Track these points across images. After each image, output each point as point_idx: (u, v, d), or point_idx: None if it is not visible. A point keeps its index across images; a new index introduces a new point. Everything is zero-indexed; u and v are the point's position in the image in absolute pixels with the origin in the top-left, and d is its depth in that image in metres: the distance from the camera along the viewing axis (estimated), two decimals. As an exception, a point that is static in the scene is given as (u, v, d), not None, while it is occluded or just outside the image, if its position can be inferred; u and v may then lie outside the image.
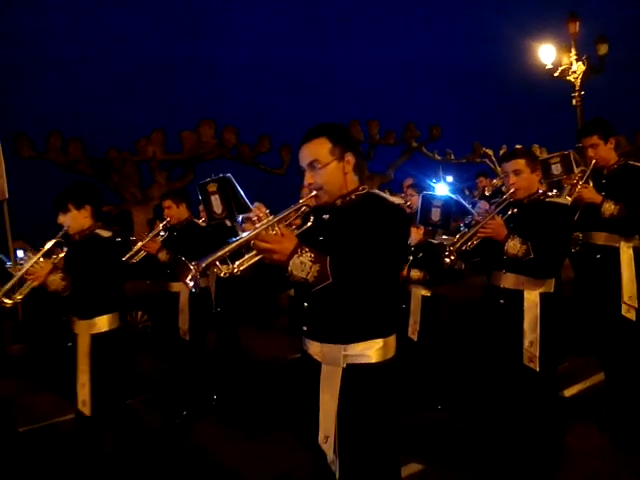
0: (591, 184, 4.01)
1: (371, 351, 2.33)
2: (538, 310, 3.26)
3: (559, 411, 3.41)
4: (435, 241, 5.12)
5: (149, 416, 5.02)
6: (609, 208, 3.87)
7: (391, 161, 19.64)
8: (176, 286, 5.19)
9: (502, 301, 3.39)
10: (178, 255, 4.83)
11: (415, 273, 4.90)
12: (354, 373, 2.32)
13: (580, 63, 14.52)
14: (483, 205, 3.45)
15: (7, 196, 8.33)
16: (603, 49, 14.77)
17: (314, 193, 2.39)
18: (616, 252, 3.99)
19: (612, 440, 3.96)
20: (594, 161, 4.03)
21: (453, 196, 4.62)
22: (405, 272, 4.88)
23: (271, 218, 2.20)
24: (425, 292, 5.05)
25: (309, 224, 2.35)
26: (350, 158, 2.40)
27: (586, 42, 15.03)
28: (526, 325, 3.28)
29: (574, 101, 14.86)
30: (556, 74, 14.76)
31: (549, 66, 14.76)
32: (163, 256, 4.94)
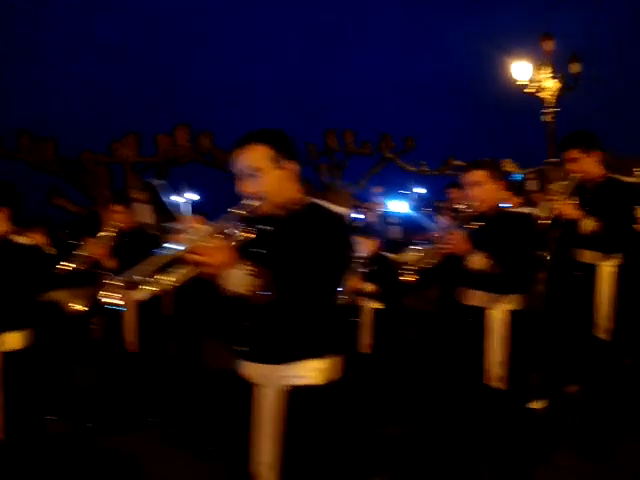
0: (573, 199, 3.86)
1: (312, 372, 2.19)
2: (506, 328, 3.14)
3: (527, 429, 3.32)
4: (390, 255, 4.94)
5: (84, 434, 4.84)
6: (588, 224, 3.71)
7: (365, 171, 19.72)
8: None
9: (468, 319, 3.27)
10: (127, 262, 4.55)
11: (368, 286, 4.73)
12: (296, 395, 2.17)
13: (555, 81, 14.77)
14: (443, 220, 3.41)
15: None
16: (576, 68, 15.04)
17: (255, 202, 2.23)
18: (596, 270, 3.86)
19: (583, 454, 3.92)
20: (579, 175, 3.87)
21: (412, 212, 4.57)
22: (357, 284, 4.70)
23: (206, 229, 2.05)
24: (378, 305, 4.90)
25: (250, 235, 2.21)
26: (292, 166, 2.30)
27: (561, 60, 15.31)
28: (494, 344, 3.15)
29: (547, 117, 15.10)
30: (531, 90, 14.99)
31: (523, 82, 14.98)
32: (110, 263, 4.54)
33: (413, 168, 20.89)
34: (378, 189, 7.61)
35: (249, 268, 2.00)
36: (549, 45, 14.62)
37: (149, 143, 15.02)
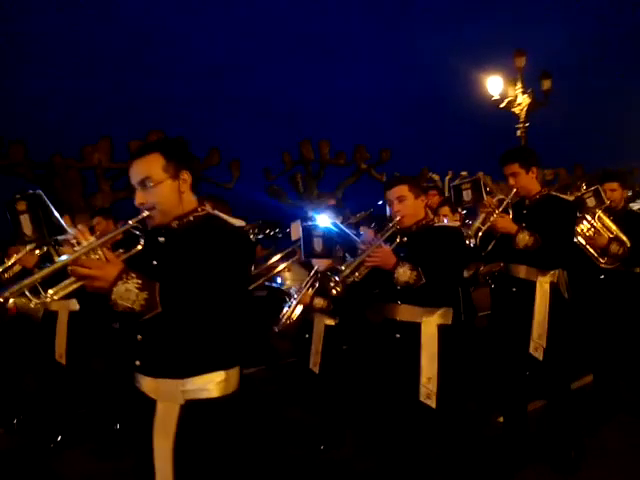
0: (511, 214, 3.85)
1: (212, 385, 2.15)
2: (436, 343, 3.14)
3: (462, 447, 3.26)
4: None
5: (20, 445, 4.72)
6: (523, 239, 3.70)
7: (340, 181, 19.77)
8: (55, 304, 4.56)
9: (398, 335, 3.22)
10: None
11: (318, 301, 4.48)
12: (194, 409, 2.13)
13: (525, 96, 15.05)
14: (369, 234, 3.31)
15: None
16: (547, 84, 15.36)
17: (146, 213, 2.19)
18: (533, 286, 3.82)
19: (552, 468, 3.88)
20: (515, 190, 3.88)
21: (333, 226, 4.43)
22: (308, 300, 4.52)
23: (93, 240, 1.99)
24: (329, 321, 4.67)
25: (139, 247, 2.15)
26: (186, 176, 2.24)
27: (532, 75, 15.62)
28: (423, 360, 3.13)
29: (518, 132, 15.37)
30: (502, 105, 15.24)
31: (496, 97, 15.23)
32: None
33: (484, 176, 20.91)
34: (331, 201, 7.52)
35: (135, 281, 1.94)
36: (521, 61, 14.90)
37: (121, 148, 14.87)
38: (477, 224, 3.71)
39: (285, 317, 4.57)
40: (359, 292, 3.41)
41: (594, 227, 4.55)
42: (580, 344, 5.00)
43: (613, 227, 4.56)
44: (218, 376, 2.16)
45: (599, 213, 4.54)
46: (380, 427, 3.36)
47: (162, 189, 2.18)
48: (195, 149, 16.06)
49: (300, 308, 4.51)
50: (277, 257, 6.20)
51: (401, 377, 3.20)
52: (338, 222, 4.95)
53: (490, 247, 3.88)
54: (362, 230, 3.37)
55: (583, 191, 4.59)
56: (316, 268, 4.54)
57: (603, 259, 4.57)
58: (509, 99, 15.11)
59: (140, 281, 1.95)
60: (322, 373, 4.67)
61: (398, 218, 3.24)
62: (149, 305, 1.95)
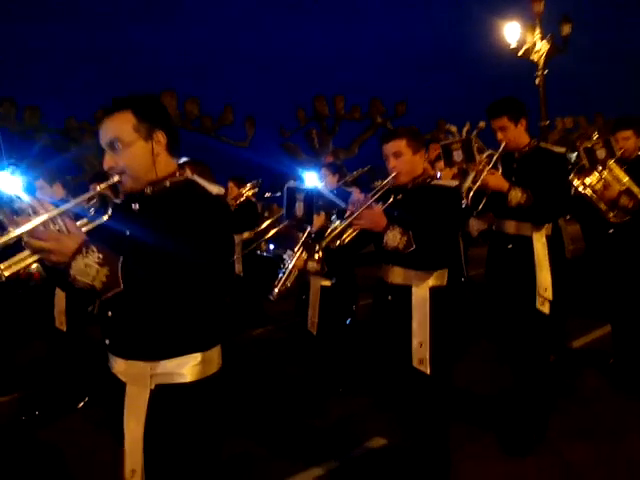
0: (500, 169, 3.69)
1: (185, 368, 1.96)
2: (427, 306, 2.97)
3: (447, 414, 3.12)
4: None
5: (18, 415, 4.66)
6: (516, 196, 3.58)
7: (355, 136, 19.59)
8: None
9: (390, 297, 3.08)
10: None
11: (312, 264, 4.48)
12: (164, 395, 1.95)
13: (544, 42, 14.64)
14: (356, 194, 3.04)
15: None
16: (566, 29, 14.92)
17: (116, 178, 1.98)
18: (528, 242, 3.72)
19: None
20: (503, 144, 3.69)
21: (317, 186, 4.06)
22: (302, 263, 4.36)
23: (52, 209, 1.76)
24: (325, 282, 4.60)
25: (104, 218, 1.94)
26: (161, 137, 2.01)
27: (550, 21, 15.16)
28: (415, 324, 2.97)
29: (537, 80, 15.01)
30: (520, 53, 14.86)
31: (513, 45, 14.84)
32: None
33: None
34: (328, 158, 7.38)
35: (96, 255, 1.74)
36: (539, 6, 14.45)
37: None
38: (467, 183, 3.54)
39: (280, 284, 4.39)
40: (351, 252, 3.26)
41: (604, 179, 4.40)
42: (596, 294, 4.99)
43: (625, 178, 4.38)
44: (193, 359, 1.97)
45: (610, 163, 4.36)
46: (379, 386, 3.28)
47: (133, 151, 1.98)
48: (209, 108, 15.97)
49: (295, 273, 4.33)
50: (267, 223, 6.06)
51: (394, 341, 3.07)
52: (323, 185, 4.78)
53: (481, 206, 3.69)
54: (354, 193, 3.09)
55: (593, 141, 4.42)
56: (308, 230, 4.35)
57: (612, 212, 4.41)
58: (527, 46, 14.71)
59: (101, 255, 1.75)
60: (320, 333, 4.64)
61: (393, 174, 3.04)
62: (110, 282, 1.76)
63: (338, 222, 2.97)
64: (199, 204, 1.96)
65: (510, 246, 3.79)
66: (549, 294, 3.67)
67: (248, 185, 7.42)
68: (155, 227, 1.94)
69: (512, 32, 14.86)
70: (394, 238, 2.86)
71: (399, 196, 3.08)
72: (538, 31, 14.64)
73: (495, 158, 3.66)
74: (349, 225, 2.91)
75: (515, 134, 3.72)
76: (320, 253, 2.97)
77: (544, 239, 3.72)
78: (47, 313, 4.68)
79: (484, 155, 3.70)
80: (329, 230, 2.94)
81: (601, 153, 4.36)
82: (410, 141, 3.06)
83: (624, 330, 4.62)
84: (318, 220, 4.34)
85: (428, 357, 2.94)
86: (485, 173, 3.56)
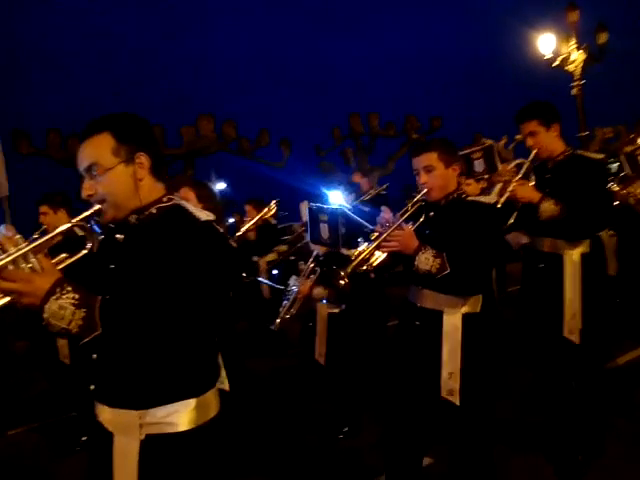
0: (533, 180, 3.41)
1: (178, 416, 1.77)
2: (460, 334, 2.73)
3: (488, 450, 2.88)
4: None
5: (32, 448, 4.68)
6: (548, 208, 3.27)
7: (391, 153, 19.59)
8: None
9: (418, 322, 2.85)
10: None
11: (319, 291, 4.10)
12: (155, 446, 1.76)
13: (580, 52, 14.45)
14: (385, 213, 2.78)
15: (7, 193, 8.32)
16: (603, 38, 14.72)
17: (96, 207, 1.80)
18: (561, 261, 3.38)
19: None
20: (535, 151, 3.42)
21: (342, 206, 3.73)
22: (307, 290, 4.17)
23: (23, 246, 1.60)
24: (332, 309, 4.33)
25: (83, 251, 1.76)
26: (144, 159, 1.84)
27: (586, 31, 14.97)
28: (445, 353, 2.74)
29: (574, 90, 14.80)
30: (555, 64, 14.69)
31: (548, 56, 14.68)
32: None
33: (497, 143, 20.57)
34: (356, 177, 7.11)
35: (71, 296, 1.58)
36: (574, 16, 14.29)
37: (173, 135, 15.13)
38: (492, 196, 3.26)
39: (283, 312, 4.26)
40: (377, 276, 3.08)
41: None
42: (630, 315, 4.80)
43: None
44: (186, 405, 1.78)
45: None
46: (398, 418, 2.95)
47: (113, 177, 1.80)
48: (245, 131, 16.20)
49: (300, 301, 4.17)
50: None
51: (421, 369, 2.84)
52: (350, 205, 4.43)
53: (512, 220, 3.45)
54: (383, 213, 2.80)
55: (636, 146, 4.24)
56: (315, 254, 4.24)
57: None
58: (562, 56, 14.54)
59: (77, 295, 1.59)
60: (329, 364, 4.37)
61: (425, 191, 2.82)
62: (87, 326, 1.59)
63: (365, 245, 2.74)
64: (187, 234, 1.76)
65: (542, 265, 3.49)
66: (577, 322, 3.34)
67: (265, 209, 7.39)
68: (142, 260, 1.78)
69: (547, 43, 14.71)
70: (426, 261, 2.64)
71: (431, 214, 2.87)
72: (573, 41, 14.46)
73: (525, 167, 3.39)
74: (377, 247, 2.70)
75: (547, 140, 3.43)
76: (346, 280, 2.67)
77: (578, 258, 3.37)
78: (51, 346, 4.53)
79: (512, 164, 3.45)
80: (355, 254, 2.72)
81: None
82: (442, 154, 2.83)
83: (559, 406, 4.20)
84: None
85: (458, 388, 2.72)
86: (514, 184, 3.30)
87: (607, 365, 5.14)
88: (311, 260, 4.18)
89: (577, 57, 14.45)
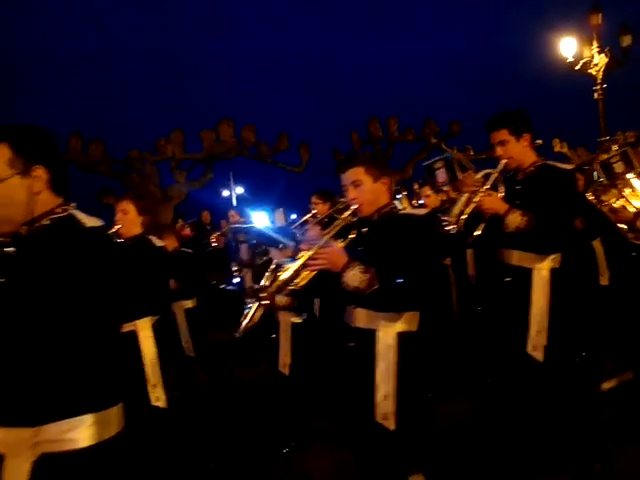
0: (502, 191, 3.31)
1: (77, 432, 1.67)
2: (394, 354, 2.60)
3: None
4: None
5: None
6: (514, 220, 3.16)
7: (410, 158, 19.51)
8: None
9: (352, 344, 2.72)
10: None
11: (281, 299, 3.89)
12: (51, 465, 1.65)
13: (602, 55, 14.30)
14: (313, 231, 2.71)
15: None
16: (627, 40, 14.51)
17: None
18: (529, 275, 3.28)
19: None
20: (503, 161, 3.33)
21: (257, 226, 3.65)
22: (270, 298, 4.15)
23: None
24: (295, 319, 4.26)
25: None
26: (41, 172, 1.80)
27: (608, 34, 14.81)
28: (379, 373, 2.61)
29: (596, 95, 14.64)
30: (577, 67, 14.55)
31: (570, 59, 14.55)
32: None
33: (458, 153, 20.52)
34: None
35: None
36: (597, 19, 14.14)
37: (193, 139, 15.21)
38: (458, 207, 3.20)
39: (246, 320, 4.16)
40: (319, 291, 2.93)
41: (625, 197, 3.94)
42: (616, 335, 4.53)
43: None
44: (83, 421, 1.69)
45: (632, 179, 3.96)
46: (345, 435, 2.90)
47: (6, 188, 1.76)
48: (264, 135, 16.23)
49: (262, 308, 4.08)
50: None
51: (356, 392, 2.73)
52: (271, 224, 4.36)
53: (479, 232, 3.35)
54: (310, 230, 2.76)
55: (611, 154, 4.10)
56: (275, 262, 4.07)
57: (632, 234, 3.95)
58: (585, 60, 14.39)
59: None
60: (293, 374, 4.28)
61: (354, 207, 2.71)
62: None
63: (290, 264, 2.60)
64: (72, 242, 1.75)
65: (508, 279, 3.38)
66: (543, 338, 3.23)
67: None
68: (31, 272, 1.71)
69: (568, 46, 14.58)
70: (354, 277, 2.50)
71: (364, 229, 2.77)
72: (595, 44, 14.32)
73: (493, 177, 3.30)
74: (304, 266, 2.56)
75: (517, 150, 3.34)
76: (268, 301, 2.56)
77: (547, 272, 3.26)
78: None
79: (480, 174, 3.36)
80: (280, 273, 2.58)
81: (619, 166, 4.05)
82: (369, 168, 2.75)
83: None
84: (286, 252, 3.90)
85: (393, 411, 2.59)
86: (480, 195, 3.21)
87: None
88: (271, 268, 4.15)
89: (599, 60, 14.30)
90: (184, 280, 5.20)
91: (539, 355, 3.24)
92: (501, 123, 3.37)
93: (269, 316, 4.02)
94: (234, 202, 27.13)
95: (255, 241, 3.42)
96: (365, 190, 2.73)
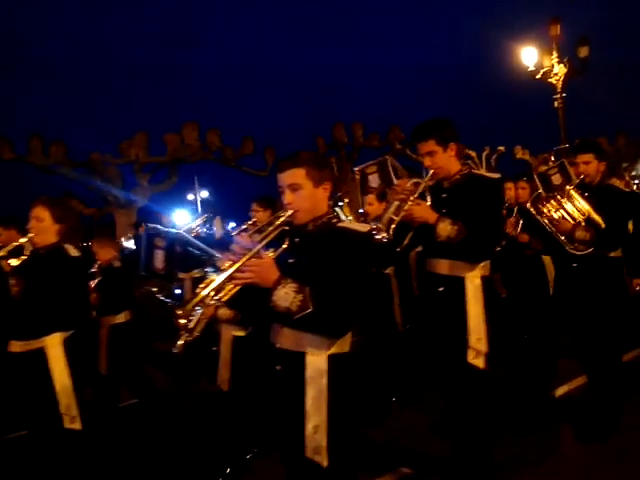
0: (429, 200, 3.28)
1: None
2: (325, 379, 2.32)
3: None
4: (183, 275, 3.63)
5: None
6: (444, 229, 3.13)
7: (375, 163, 19.64)
8: None
9: (279, 367, 2.45)
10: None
11: (224, 311, 3.74)
12: None
13: (561, 65, 14.65)
14: (243, 240, 2.34)
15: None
16: (584, 51, 14.92)
17: None
18: (462, 283, 3.25)
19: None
20: (431, 171, 3.31)
21: (182, 232, 3.23)
22: (212, 310, 3.77)
23: None
24: (238, 332, 4.05)
25: None
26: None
27: (568, 44, 15.19)
28: (309, 402, 2.32)
29: (556, 103, 14.99)
30: (538, 76, 14.88)
31: (531, 68, 14.87)
32: None
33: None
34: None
35: None
36: (556, 29, 14.50)
37: (157, 142, 15.06)
38: (389, 214, 3.15)
39: (185, 333, 3.90)
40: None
41: (564, 208, 3.99)
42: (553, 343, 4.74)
43: (585, 207, 3.98)
44: None
45: (570, 190, 4.01)
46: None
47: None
48: (229, 138, 16.16)
49: (203, 321, 3.61)
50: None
51: (283, 424, 2.47)
52: (191, 231, 4.03)
53: (407, 241, 3.35)
54: (239, 239, 2.35)
55: (549, 166, 4.16)
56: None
57: (572, 245, 3.99)
58: (545, 69, 14.73)
59: None
60: (233, 389, 4.07)
61: (289, 213, 2.43)
62: None
63: (214, 275, 2.28)
64: None
65: (441, 289, 3.34)
66: (483, 345, 3.21)
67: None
68: None
69: (529, 56, 14.92)
70: (286, 297, 2.21)
71: (296, 240, 2.49)
72: (555, 54, 14.67)
73: (421, 187, 3.27)
74: (229, 279, 2.24)
75: (444, 160, 3.32)
76: (184, 320, 2.23)
77: (478, 280, 3.26)
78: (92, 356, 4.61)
79: (410, 182, 3.32)
80: (201, 286, 2.24)
81: (557, 178, 4.10)
82: (311, 171, 2.45)
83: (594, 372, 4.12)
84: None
85: (325, 445, 2.31)
86: (409, 203, 3.17)
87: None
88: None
89: (559, 70, 14.65)
90: (108, 294, 4.94)
91: (480, 363, 3.22)
92: (428, 134, 3.33)
93: (211, 328, 3.81)
94: (199, 206, 26.91)
95: (179, 249, 3.07)
96: (303, 195, 2.43)
